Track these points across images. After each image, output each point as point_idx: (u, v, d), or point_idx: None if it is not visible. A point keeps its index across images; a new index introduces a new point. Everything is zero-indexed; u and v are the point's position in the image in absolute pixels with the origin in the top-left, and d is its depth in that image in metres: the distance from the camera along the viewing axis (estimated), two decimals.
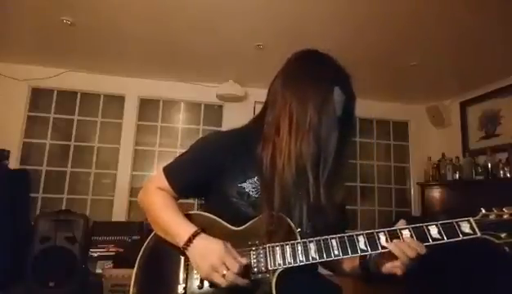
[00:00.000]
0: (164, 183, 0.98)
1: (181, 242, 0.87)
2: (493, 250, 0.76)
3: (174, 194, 0.98)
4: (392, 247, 0.81)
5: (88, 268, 3.09)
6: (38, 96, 3.68)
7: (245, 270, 0.84)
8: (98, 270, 3.15)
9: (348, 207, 1.16)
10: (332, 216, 0.94)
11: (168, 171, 0.99)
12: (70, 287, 2.80)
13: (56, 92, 3.71)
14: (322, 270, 1.08)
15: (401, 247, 0.80)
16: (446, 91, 3.88)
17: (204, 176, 0.98)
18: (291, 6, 2.36)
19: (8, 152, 3.15)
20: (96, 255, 3.12)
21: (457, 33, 2.60)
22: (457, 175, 3.66)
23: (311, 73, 0.94)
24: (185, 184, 0.99)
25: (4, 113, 3.50)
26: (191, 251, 0.86)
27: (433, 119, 4.18)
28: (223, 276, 0.81)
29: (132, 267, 0.95)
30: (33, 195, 3.40)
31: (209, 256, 0.83)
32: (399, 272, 0.84)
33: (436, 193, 3.84)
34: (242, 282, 0.83)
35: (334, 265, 1.04)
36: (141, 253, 0.97)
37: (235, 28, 2.69)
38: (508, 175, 3.12)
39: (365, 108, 4.17)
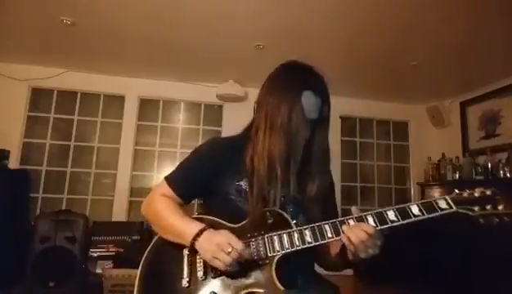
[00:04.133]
0: (167, 189, 1.04)
1: (189, 238, 0.92)
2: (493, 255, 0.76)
3: (178, 200, 1.05)
4: (347, 231, 0.87)
5: (88, 268, 3.09)
6: (38, 96, 3.68)
7: (248, 254, 0.91)
8: (98, 270, 3.14)
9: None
10: (314, 208, 1.02)
11: (171, 178, 1.06)
12: (70, 287, 2.81)
13: (56, 92, 3.71)
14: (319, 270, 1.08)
15: (353, 229, 0.87)
16: (446, 91, 3.88)
17: (205, 178, 1.05)
18: (291, 7, 2.36)
19: (8, 152, 3.15)
20: (96, 255, 3.12)
21: (457, 34, 2.60)
22: (457, 175, 3.67)
23: (286, 79, 1.05)
24: (187, 187, 1.06)
25: (4, 113, 3.50)
26: (199, 242, 0.92)
27: (433, 119, 4.18)
28: (228, 254, 0.86)
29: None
30: (33, 195, 3.40)
31: (216, 238, 0.90)
32: (352, 256, 0.90)
33: (436, 193, 3.84)
34: (247, 254, 0.89)
35: (324, 258, 1.08)
36: (146, 252, 1.02)
37: (235, 28, 2.69)
38: (508, 175, 3.12)
39: (365, 108, 4.19)
